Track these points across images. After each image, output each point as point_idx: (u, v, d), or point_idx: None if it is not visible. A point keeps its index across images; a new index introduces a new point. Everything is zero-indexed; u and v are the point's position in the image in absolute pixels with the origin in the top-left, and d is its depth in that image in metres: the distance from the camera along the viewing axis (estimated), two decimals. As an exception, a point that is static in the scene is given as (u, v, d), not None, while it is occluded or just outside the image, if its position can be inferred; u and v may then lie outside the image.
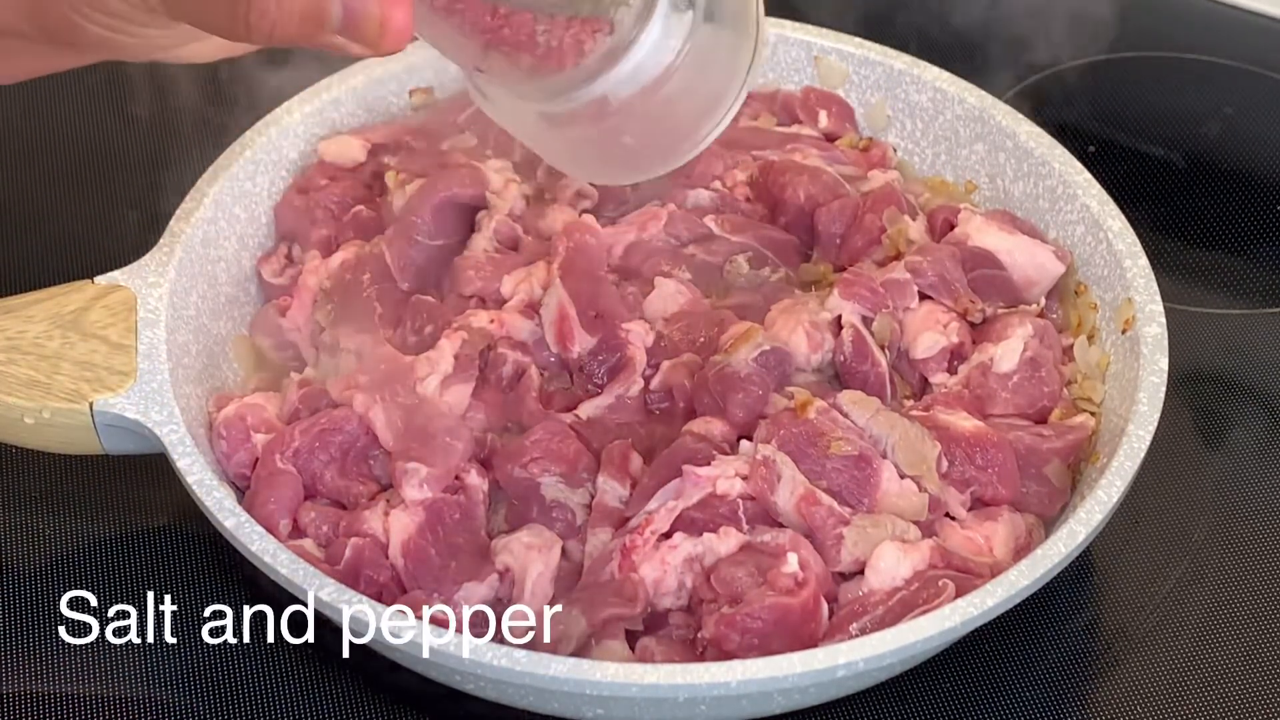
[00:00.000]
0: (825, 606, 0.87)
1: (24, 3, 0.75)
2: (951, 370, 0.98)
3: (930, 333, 0.97)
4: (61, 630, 0.94)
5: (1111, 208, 1.02)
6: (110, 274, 0.98)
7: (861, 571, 0.89)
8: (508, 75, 0.74)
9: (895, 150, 1.12)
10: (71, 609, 0.94)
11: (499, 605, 0.90)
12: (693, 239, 1.03)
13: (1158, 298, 0.98)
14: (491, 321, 0.98)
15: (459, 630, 0.85)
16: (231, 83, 1.12)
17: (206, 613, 0.94)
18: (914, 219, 1.04)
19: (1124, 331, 0.98)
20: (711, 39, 0.72)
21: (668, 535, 0.89)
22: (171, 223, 1.01)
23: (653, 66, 0.72)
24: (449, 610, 0.88)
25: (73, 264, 1.12)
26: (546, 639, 0.87)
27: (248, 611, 0.93)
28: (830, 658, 0.82)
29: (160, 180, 1.08)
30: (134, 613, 0.94)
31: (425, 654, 0.83)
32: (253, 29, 0.70)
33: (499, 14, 0.71)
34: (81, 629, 0.93)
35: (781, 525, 0.90)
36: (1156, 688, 0.93)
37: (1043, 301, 1.01)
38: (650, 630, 0.88)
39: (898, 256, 1.02)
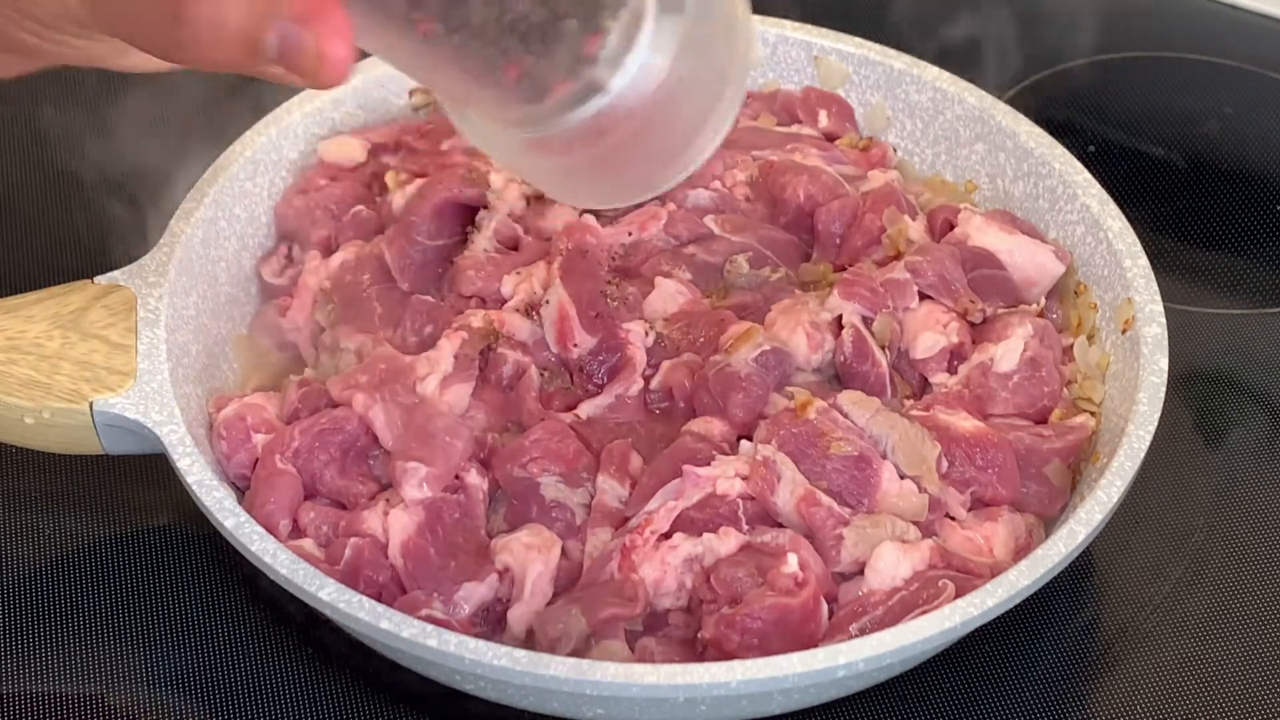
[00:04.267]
0: (825, 607, 0.87)
1: None
2: (951, 370, 0.98)
3: (930, 333, 0.97)
4: (61, 630, 0.94)
5: (1111, 208, 1.02)
6: (110, 274, 0.98)
7: (861, 572, 0.89)
8: (488, 102, 0.72)
9: (895, 150, 1.12)
10: (72, 609, 0.95)
11: (499, 605, 0.90)
12: (693, 239, 1.03)
13: (1158, 298, 0.98)
14: (492, 321, 0.98)
15: (459, 630, 0.86)
16: (232, 82, 1.12)
17: (206, 612, 0.95)
18: (914, 219, 1.04)
19: (1124, 331, 0.98)
20: (698, 55, 0.70)
21: (668, 535, 0.89)
22: (171, 223, 1.01)
23: (643, 84, 0.69)
24: (449, 610, 0.88)
25: (73, 264, 1.13)
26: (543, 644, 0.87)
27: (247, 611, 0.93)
28: (830, 658, 0.82)
29: (160, 180, 1.08)
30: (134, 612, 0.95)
31: (425, 654, 0.83)
32: (184, 50, 0.69)
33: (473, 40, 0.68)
34: (82, 629, 0.94)
35: (781, 525, 0.90)
36: (1156, 688, 0.93)
37: (1043, 301, 1.01)
38: (650, 630, 0.88)
39: (898, 256, 1.02)
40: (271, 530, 0.90)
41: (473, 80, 0.69)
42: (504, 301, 1.00)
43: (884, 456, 0.92)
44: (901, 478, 0.91)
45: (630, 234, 1.02)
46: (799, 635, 0.86)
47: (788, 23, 1.14)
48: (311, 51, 0.67)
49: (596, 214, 1.04)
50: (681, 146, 0.71)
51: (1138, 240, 1.01)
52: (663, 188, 0.73)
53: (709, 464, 0.91)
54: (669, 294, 1.00)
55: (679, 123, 0.71)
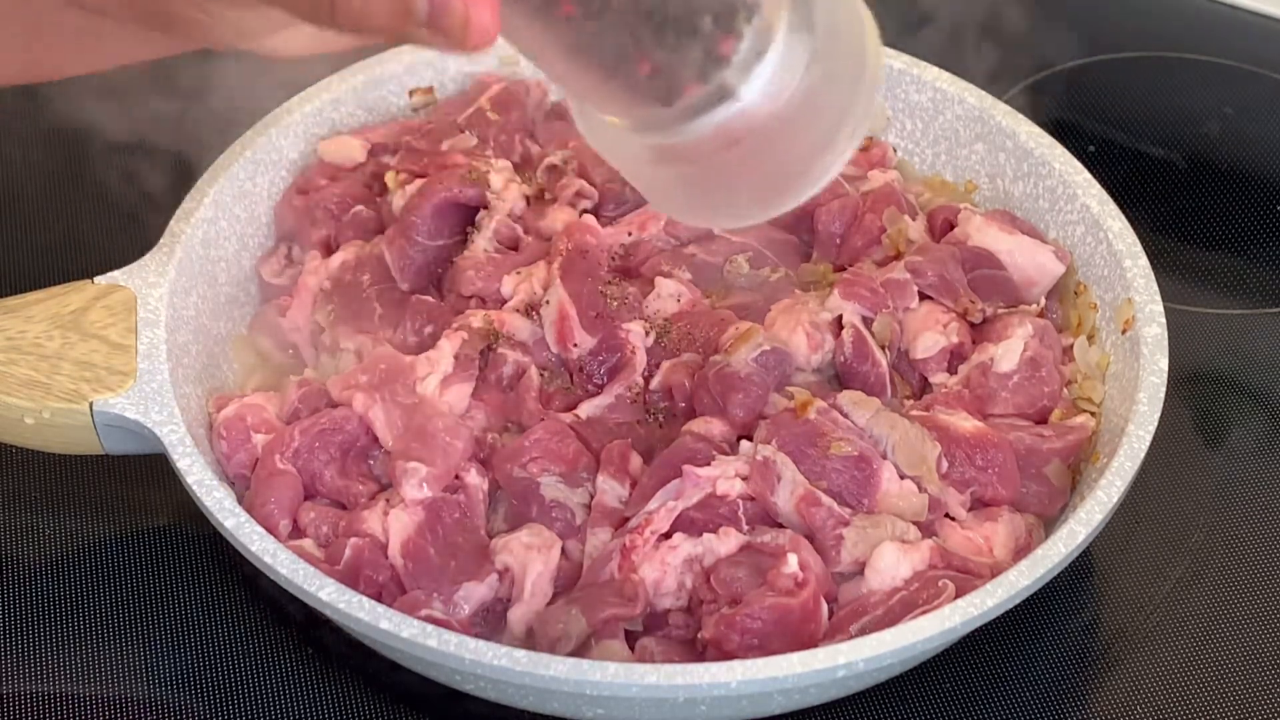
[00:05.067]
0: (825, 607, 0.87)
1: None
2: (951, 370, 0.98)
3: (930, 333, 0.97)
4: (61, 630, 0.94)
5: (1111, 208, 1.02)
6: (110, 274, 0.98)
7: (861, 572, 0.89)
8: (617, 98, 0.71)
9: (895, 150, 1.12)
10: (72, 609, 0.95)
11: (499, 605, 0.90)
12: (693, 239, 1.03)
13: (1158, 298, 0.98)
14: (492, 321, 0.98)
15: (459, 630, 0.86)
16: (232, 81, 1.12)
17: (206, 612, 0.95)
18: (914, 219, 1.04)
19: (1124, 331, 0.98)
20: (827, 72, 0.69)
21: (667, 535, 0.89)
22: (171, 223, 1.01)
23: (772, 95, 0.69)
24: (449, 610, 0.88)
25: (73, 264, 1.13)
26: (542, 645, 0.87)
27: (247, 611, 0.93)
28: (830, 658, 0.82)
29: (161, 180, 1.08)
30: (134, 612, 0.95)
31: (425, 654, 0.83)
32: (338, 13, 0.69)
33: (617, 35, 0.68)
34: (82, 629, 0.94)
35: (781, 526, 0.90)
36: (1156, 688, 0.93)
37: (1043, 301, 1.01)
38: (650, 630, 0.88)
39: (898, 256, 1.02)
40: (271, 530, 0.90)
41: (604, 72, 0.69)
42: (504, 301, 1.00)
43: (884, 456, 0.92)
44: (901, 478, 0.91)
45: (630, 234, 1.02)
46: (799, 635, 0.86)
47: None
48: (459, 15, 0.68)
49: (597, 214, 1.04)
50: (805, 165, 0.71)
51: (1138, 240, 1.01)
52: (784, 207, 0.73)
53: (709, 464, 0.91)
54: (669, 294, 1.00)
55: (805, 139, 0.70)
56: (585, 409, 0.96)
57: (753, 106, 0.69)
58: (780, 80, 0.68)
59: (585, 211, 1.04)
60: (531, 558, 0.90)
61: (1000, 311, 1.00)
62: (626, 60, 0.68)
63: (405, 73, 1.12)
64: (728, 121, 0.69)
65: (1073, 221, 1.04)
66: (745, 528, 0.90)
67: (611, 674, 0.82)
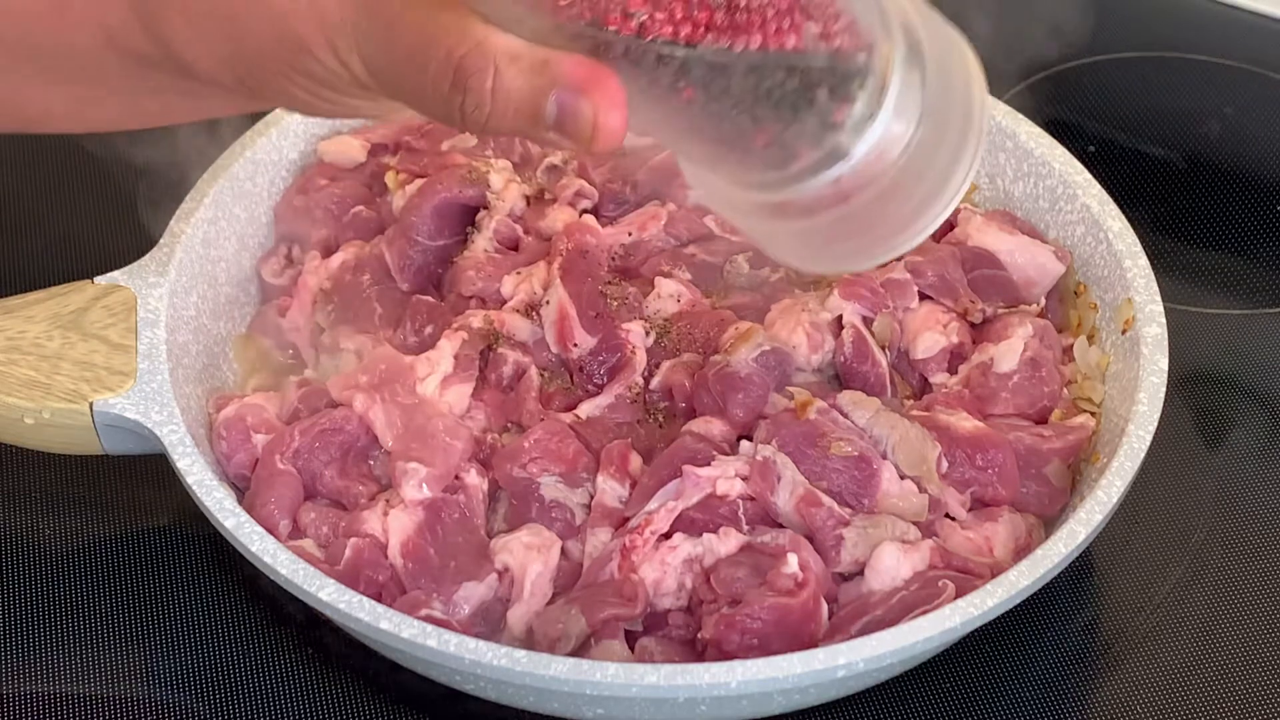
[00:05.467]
0: (825, 607, 0.87)
1: (235, 62, 0.75)
2: (952, 370, 0.98)
3: (930, 333, 0.97)
4: (61, 630, 0.94)
5: (1111, 208, 1.02)
6: (110, 274, 0.98)
7: (861, 572, 0.89)
8: (732, 167, 0.73)
9: (895, 150, 1.12)
10: (72, 609, 0.95)
11: (499, 605, 0.90)
12: (693, 239, 1.03)
13: (1158, 298, 0.98)
14: (492, 321, 0.98)
15: (459, 630, 0.86)
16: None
17: (206, 612, 0.95)
18: (914, 219, 1.04)
19: (1124, 332, 0.98)
20: (937, 123, 0.71)
21: (667, 535, 0.89)
22: (171, 223, 1.01)
23: (886, 151, 0.70)
24: (448, 610, 0.88)
25: (73, 264, 1.13)
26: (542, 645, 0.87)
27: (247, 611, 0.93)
28: (830, 658, 0.82)
29: (160, 180, 1.08)
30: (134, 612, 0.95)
31: (425, 654, 0.83)
32: (468, 119, 0.70)
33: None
34: (82, 629, 0.94)
35: (781, 526, 0.90)
36: (1156, 688, 0.93)
37: (1043, 301, 1.01)
38: (650, 630, 0.88)
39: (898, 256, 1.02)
40: (271, 530, 0.90)
41: (722, 146, 0.71)
42: (504, 301, 1.00)
43: (884, 456, 0.92)
44: (902, 478, 0.91)
45: (630, 234, 1.02)
46: (799, 635, 0.86)
47: (788, 22, 1.14)
48: (588, 120, 0.69)
49: (597, 214, 1.04)
50: (920, 210, 0.72)
51: (1138, 240, 1.01)
52: (903, 249, 0.74)
53: (709, 464, 0.91)
54: (669, 294, 1.00)
55: (919, 187, 0.71)
56: (585, 409, 0.96)
57: (865, 164, 0.70)
58: (892, 136, 0.70)
59: (585, 211, 1.04)
60: (531, 558, 0.90)
61: (1000, 311, 1.00)
62: (744, 135, 0.70)
63: (405, 73, 1.12)
64: (840, 179, 0.70)
65: (1073, 221, 1.04)
66: (745, 528, 0.90)
67: (611, 674, 0.82)
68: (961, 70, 0.71)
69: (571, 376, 0.98)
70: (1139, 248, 1.00)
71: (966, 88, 0.72)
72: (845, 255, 0.75)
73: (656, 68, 0.68)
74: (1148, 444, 0.91)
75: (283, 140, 1.08)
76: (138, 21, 0.77)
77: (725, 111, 0.69)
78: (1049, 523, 0.94)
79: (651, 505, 0.90)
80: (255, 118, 1.07)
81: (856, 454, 0.91)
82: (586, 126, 0.69)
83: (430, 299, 1.01)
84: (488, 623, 0.90)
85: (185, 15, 0.75)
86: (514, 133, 0.71)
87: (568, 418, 0.95)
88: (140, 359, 0.94)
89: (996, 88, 1.12)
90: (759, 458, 0.91)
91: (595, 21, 0.67)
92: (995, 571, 0.88)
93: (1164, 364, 0.94)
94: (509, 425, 0.96)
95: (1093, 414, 0.97)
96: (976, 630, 0.86)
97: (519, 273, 1.00)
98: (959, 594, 0.86)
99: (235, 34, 0.74)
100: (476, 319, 0.98)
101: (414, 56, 0.70)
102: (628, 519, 0.91)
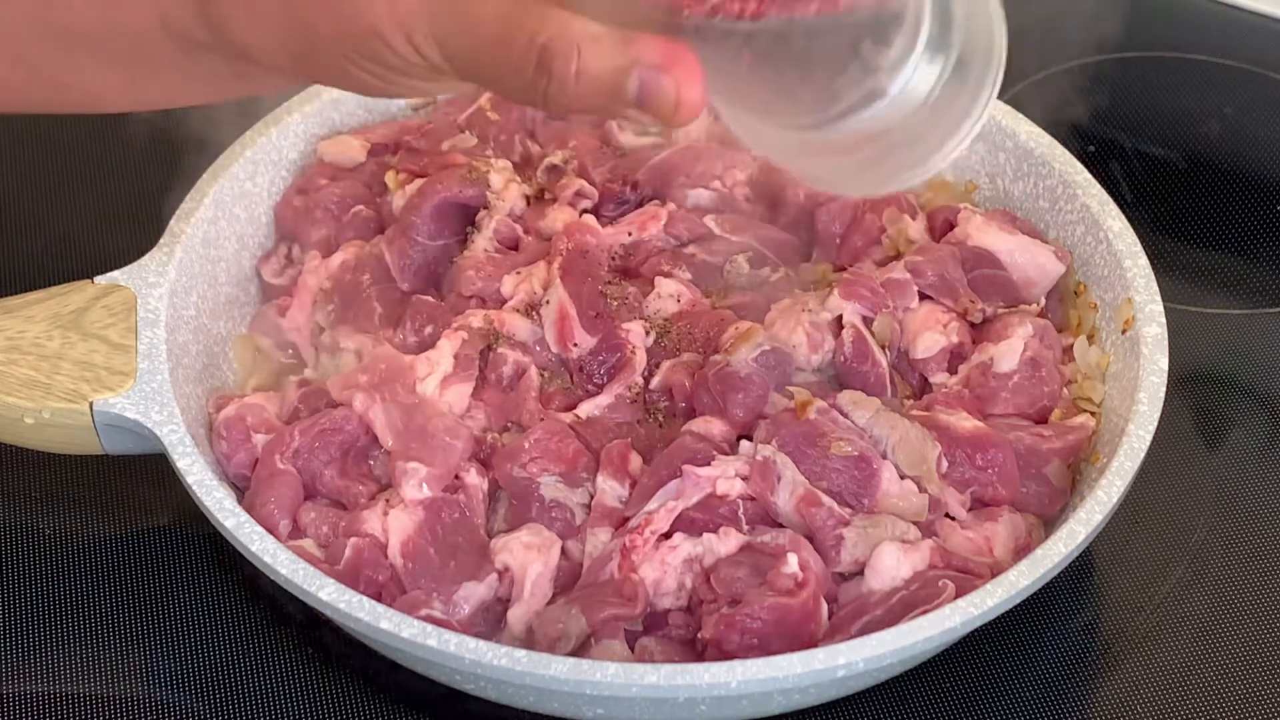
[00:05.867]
0: (825, 607, 0.87)
1: (294, 46, 0.76)
2: (952, 370, 0.98)
3: (930, 333, 0.97)
4: (61, 630, 0.94)
5: (1111, 208, 1.02)
6: (110, 274, 0.98)
7: (861, 572, 0.89)
8: (781, 114, 0.77)
9: (895, 150, 1.12)
10: (72, 609, 0.95)
11: (499, 605, 0.90)
12: (693, 239, 1.03)
13: (1158, 298, 0.98)
14: (492, 321, 0.98)
15: (459, 630, 0.86)
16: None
17: (206, 612, 0.95)
18: (914, 219, 1.04)
19: (1124, 331, 0.98)
20: (964, 56, 0.76)
21: (667, 535, 0.89)
22: (171, 223, 1.01)
23: (920, 88, 0.75)
24: (448, 610, 0.88)
25: (73, 264, 1.13)
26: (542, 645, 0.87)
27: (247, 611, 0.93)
28: (830, 658, 0.82)
29: (160, 180, 1.08)
30: (134, 612, 0.95)
31: (425, 654, 0.83)
32: (550, 100, 0.72)
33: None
34: (82, 629, 0.94)
35: (781, 526, 0.90)
36: (1156, 688, 0.93)
37: (1043, 301, 1.01)
38: (650, 630, 0.88)
39: (898, 256, 1.02)
40: (271, 530, 0.90)
41: (773, 98, 0.76)
42: (504, 301, 1.00)
43: (884, 456, 0.92)
44: (902, 478, 0.91)
45: (630, 234, 1.02)
46: (799, 635, 0.86)
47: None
48: (670, 96, 0.71)
49: (597, 214, 1.04)
50: (944, 139, 0.77)
51: (1138, 240, 1.01)
52: (928, 175, 0.79)
53: (709, 464, 0.91)
54: (669, 294, 1.00)
55: (945, 118, 0.76)
56: (585, 409, 0.96)
57: (901, 100, 0.75)
58: (924, 75, 0.75)
59: (585, 211, 1.04)
60: (531, 558, 0.90)
61: (1000, 311, 1.00)
62: (793, 88, 0.75)
63: (405, 73, 1.12)
64: (877, 116, 0.75)
65: (1073, 221, 1.04)
66: (745, 528, 0.90)
67: (611, 674, 0.82)
68: (984, 12, 0.76)
69: (571, 376, 0.98)
70: (1139, 248, 1.00)
71: (989, 28, 0.76)
72: (874, 183, 0.82)
73: (723, 41, 0.72)
74: (1148, 444, 0.91)
75: (283, 140, 1.08)
76: (193, 6, 0.78)
77: (780, 70, 0.74)
78: (1049, 523, 0.94)
79: (651, 505, 0.90)
80: (254, 118, 1.07)
81: (856, 454, 0.91)
82: (669, 101, 0.71)
83: (430, 299, 1.01)
84: (488, 623, 0.90)
85: (242, 0, 0.76)
86: (596, 112, 0.74)
87: (568, 418, 0.95)
88: (140, 359, 0.94)
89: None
90: (759, 458, 0.91)
91: (671, 6, 0.72)
92: (995, 571, 0.88)
93: (1164, 364, 0.95)
94: (509, 425, 0.96)
95: (1093, 414, 0.97)
96: (976, 630, 0.86)
97: (519, 273, 1.00)
98: (959, 594, 0.86)
99: (295, 20, 0.75)
100: (476, 319, 0.98)
101: (497, 43, 0.72)
102: (628, 519, 0.91)
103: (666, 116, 0.72)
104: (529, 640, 0.88)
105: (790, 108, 0.76)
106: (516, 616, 0.89)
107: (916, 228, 1.03)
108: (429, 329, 0.99)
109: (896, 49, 0.74)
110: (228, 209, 1.04)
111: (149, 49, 0.81)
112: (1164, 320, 0.97)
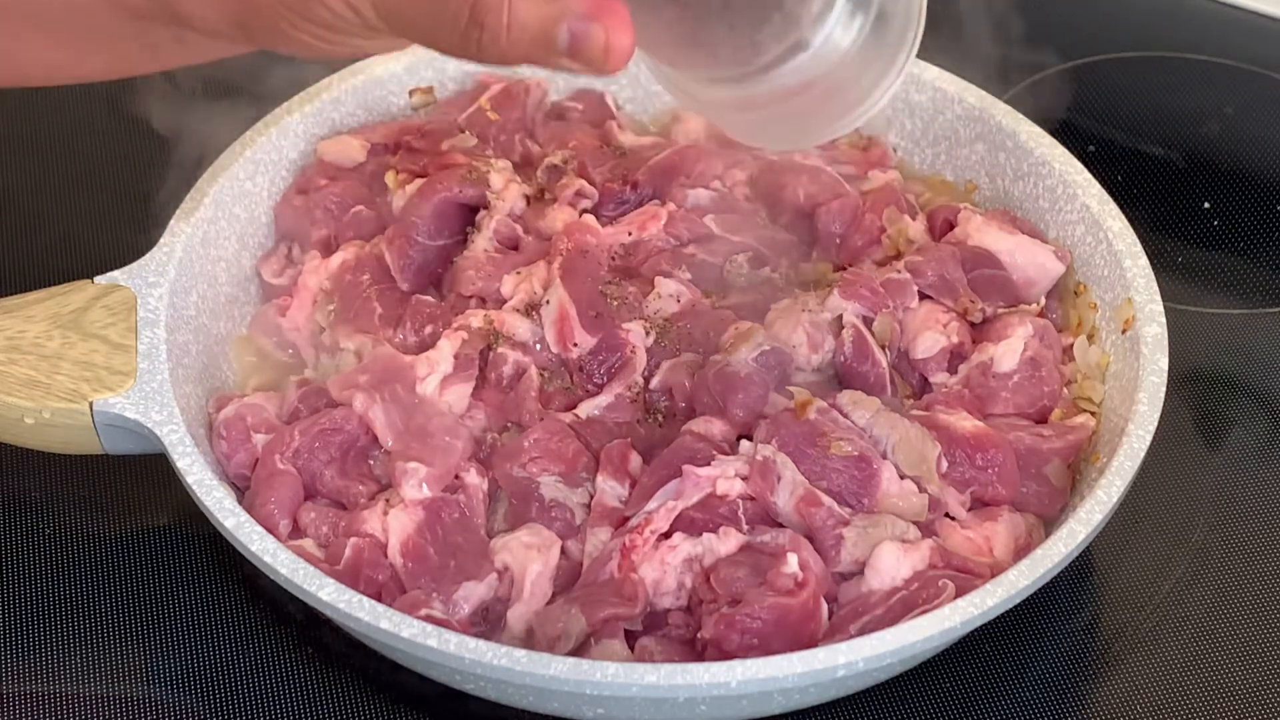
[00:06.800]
0: (825, 607, 0.87)
1: (235, 12, 0.78)
2: (952, 370, 0.98)
3: (930, 333, 0.97)
4: (61, 630, 0.94)
5: (1111, 208, 1.02)
6: (110, 274, 0.98)
7: (861, 572, 0.89)
8: (704, 65, 0.79)
9: (895, 150, 1.12)
10: (72, 609, 0.95)
11: (499, 605, 0.90)
12: (693, 239, 1.03)
13: (1158, 298, 0.98)
14: (492, 321, 0.98)
15: (459, 630, 0.86)
16: (232, 81, 1.12)
17: (206, 612, 0.95)
18: (914, 219, 1.04)
19: (1124, 331, 0.98)
20: (883, 8, 0.78)
21: (667, 535, 0.89)
22: (171, 222, 1.01)
23: (840, 41, 0.77)
24: (448, 610, 0.88)
25: (73, 264, 1.13)
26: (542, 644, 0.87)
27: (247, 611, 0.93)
28: (830, 658, 0.82)
29: (160, 180, 1.08)
30: (134, 612, 0.95)
31: (425, 654, 0.83)
32: (484, 50, 0.74)
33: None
34: (82, 629, 0.94)
35: (781, 525, 0.90)
36: (1156, 688, 0.93)
37: (1043, 301, 1.01)
38: (650, 630, 0.88)
39: (898, 256, 1.02)
40: (271, 530, 0.90)
41: (697, 50, 0.77)
42: (504, 301, 1.00)
43: (884, 456, 0.92)
44: (901, 478, 0.91)
45: (630, 234, 1.02)
46: (799, 635, 0.86)
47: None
48: (599, 43, 0.73)
49: (597, 214, 1.04)
50: (864, 95, 0.79)
51: (1138, 240, 1.01)
52: (847, 129, 0.81)
53: (709, 464, 0.91)
54: (669, 294, 1.00)
55: (865, 75, 0.78)
56: (585, 409, 0.96)
57: (823, 52, 0.77)
58: (847, 26, 0.77)
59: (585, 211, 1.04)
60: (531, 557, 0.90)
61: (1000, 311, 1.00)
62: (716, 39, 0.76)
63: (405, 72, 1.12)
64: (801, 68, 0.77)
65: (1073, 221, 1.04)
66: (745, 528, 0.90)
67: (611, 674, 0.82)
68: None
69: (571, 376, 0.98)
70: (1139, 248, 1.00)
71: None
72: (802, 134, 0.84)
73: None
74: (1148, 444, 0.91)
75: (283, 140, 1.08)
76: None
77: (706, 23, 0.75)
78: (1049, 522, 0.94)
79: (651, 505, 0.90)
80: (255, 117, 1.07)
81: (856, 454, 0.91)
82: (599, 49, 0.73)
83: (430, 299, 1.01)
84: (488, 622, 0.90)
85: None
86: (528, 61, 0.74)
87: (567, 418, 0.95)
88: (140, 359, 0.94)
89: (997, 88, 1.13)
90: (759, 457, 0.91)
91: None
92: (995, 571, 0.88)
93: (1164, 364, 0.95)
94: (509, 425, 0.96)
95: (1093, 414, 0.97)
96: (976, 630, 0.86)
97: (519, 272, 1.00)
98: (959, 594, 0.86)
99: None
100: (476, 319, 0.98)
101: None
102: (627, 519, 0.91)
103: (597, 65, 0.73)
104: (529, 640, 0.88)
105: (716, 61, 0.77)
106: (516, 616, 0.89)
107: (916, 228, 1.03)
108: (429, 329, 0.99)
109: (819, 1, 0.76)
110: (227, 209, 1.04)
111: (92, 21, 0.83)
112: (1164, 320, 0.97)
